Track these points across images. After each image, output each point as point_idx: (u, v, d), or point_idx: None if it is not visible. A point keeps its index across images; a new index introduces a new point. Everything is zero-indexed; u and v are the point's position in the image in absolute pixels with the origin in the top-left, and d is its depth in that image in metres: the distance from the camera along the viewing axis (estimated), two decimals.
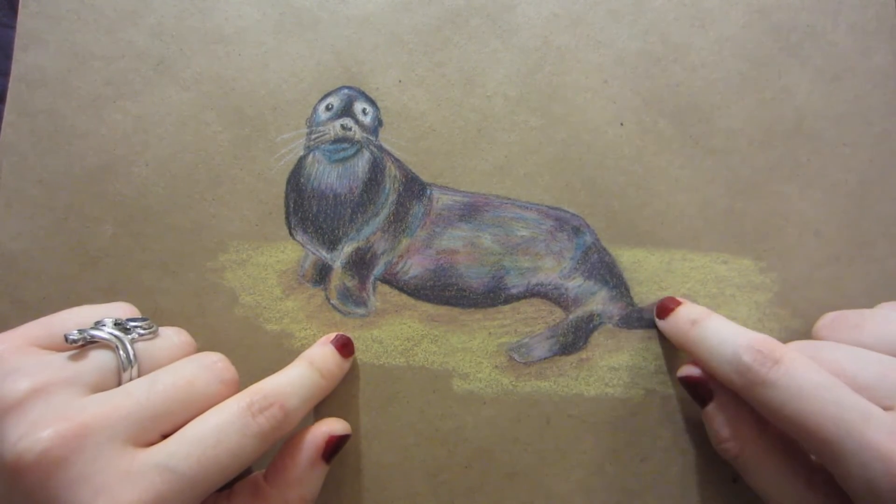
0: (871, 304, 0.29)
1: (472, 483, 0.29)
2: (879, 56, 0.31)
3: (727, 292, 0.30)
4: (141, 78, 0.31)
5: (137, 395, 0.22)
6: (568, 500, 0.29)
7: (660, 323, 0.29)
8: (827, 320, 0.28)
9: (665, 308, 0.29)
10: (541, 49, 0.31)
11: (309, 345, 0.29)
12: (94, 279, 0.30)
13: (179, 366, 0.24)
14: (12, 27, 0.31)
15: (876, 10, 0.31)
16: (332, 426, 0.27)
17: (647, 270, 0.30)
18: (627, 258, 0.30)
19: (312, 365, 0.26)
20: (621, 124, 0.31)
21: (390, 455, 0.29)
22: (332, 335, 0.29)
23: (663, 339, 0.30)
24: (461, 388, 0.30)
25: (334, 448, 0.27)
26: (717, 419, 0.26)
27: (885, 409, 0.23)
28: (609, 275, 0.30)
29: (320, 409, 0.29)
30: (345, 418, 0.29)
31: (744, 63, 0.31)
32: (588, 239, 0.30)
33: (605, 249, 0.30)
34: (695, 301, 0.30)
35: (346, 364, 0.29)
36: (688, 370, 0.28)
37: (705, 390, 0.27)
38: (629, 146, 0.31)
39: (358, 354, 0.30)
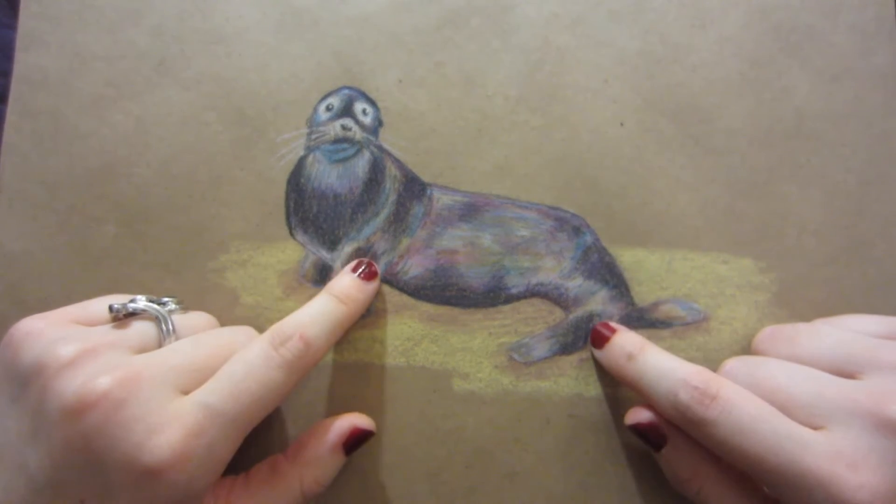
0: (869, 304, 0.30)
1: (472, 483, 0.29)
2: (879, 56, 0.31)
3: (727, 292, 0.30)
4: (142, 78, 0.31)
5: (183, 350, 0.24)
6: (568, 500, 0.29)
7: (596, 353, 0.29)
8: (765, 334, 0.29)
9: (600, 336, 0.28)
10: (541, 49, 0.31)
11: None
12: (95, 279, 0.30)
13: (218, 330, 0.27)
14: (13, 27, 0.31)
15: (876, 10, 0.31)
16: (358, 420, 0.28)
17: (647, 270, 0.30)
18: (627, 258, 0.30)
19: (330, 293, 0.27)
20: (621, 124, 0.31)
21: (390, 455, 0.29)
22: (354, 262, 0.29)
23: (663, 339, 0.30)
24: (461, 388, 0.30)
25: (356, 440, 0.27)
26: (675, 461, 0.26)
27: (818, 427, 0.23)
28: (609, 275, 0.30)
29: (320, 409, 0.29)
30: None
31: (744, 63, 0.31)
32: (588, 239, 0.31)
33: (605, 249, 0.31)
34: (695, 301, 0.30)
35: (369, 286, 0.29)
36: (635, 417, 0.27)
37: (658, 435, 0.26)
38: (629, 146, 0.31)
39: (358, 354, 0.30)
